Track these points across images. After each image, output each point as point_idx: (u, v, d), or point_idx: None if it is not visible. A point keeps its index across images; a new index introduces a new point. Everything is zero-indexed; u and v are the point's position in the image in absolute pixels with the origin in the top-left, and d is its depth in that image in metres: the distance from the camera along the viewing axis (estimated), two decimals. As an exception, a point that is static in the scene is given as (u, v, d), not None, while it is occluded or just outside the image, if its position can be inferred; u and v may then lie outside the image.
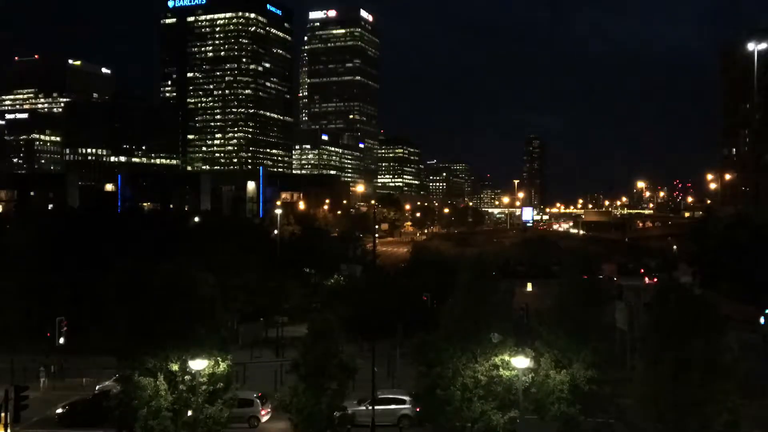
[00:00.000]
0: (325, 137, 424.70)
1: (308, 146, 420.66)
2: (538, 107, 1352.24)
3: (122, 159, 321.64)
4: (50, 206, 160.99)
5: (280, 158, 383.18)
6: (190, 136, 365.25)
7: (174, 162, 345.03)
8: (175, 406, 31.68)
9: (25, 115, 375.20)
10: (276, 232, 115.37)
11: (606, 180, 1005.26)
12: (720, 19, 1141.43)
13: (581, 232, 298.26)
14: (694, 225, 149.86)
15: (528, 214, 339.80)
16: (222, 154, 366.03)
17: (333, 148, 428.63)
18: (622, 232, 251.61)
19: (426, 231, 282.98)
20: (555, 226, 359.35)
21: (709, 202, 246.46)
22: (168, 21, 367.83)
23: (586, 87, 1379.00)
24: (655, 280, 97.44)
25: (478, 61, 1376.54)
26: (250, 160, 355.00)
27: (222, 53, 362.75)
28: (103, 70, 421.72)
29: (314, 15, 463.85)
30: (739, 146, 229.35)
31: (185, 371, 32.01)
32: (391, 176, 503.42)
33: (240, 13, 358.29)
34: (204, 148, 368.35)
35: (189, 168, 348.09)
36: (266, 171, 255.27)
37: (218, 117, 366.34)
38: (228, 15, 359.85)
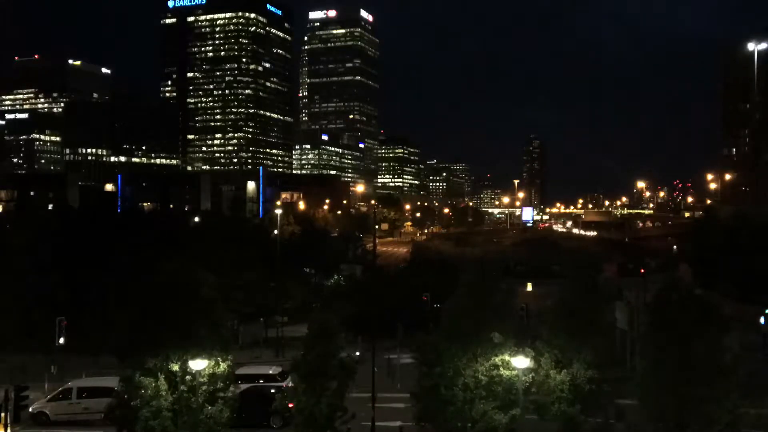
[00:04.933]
0: (325, 137, 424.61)
1: (308, 146, 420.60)
2: (538, 108, 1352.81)
3: (122, 159, 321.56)
4: (50, 206, 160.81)
5: (280, 158, 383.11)
6: (190, 136, 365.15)
7: (174, 162, 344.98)
8: (176, 407, 31.68)
9: (25, 115, 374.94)
10: (276, 232, 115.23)
11: (606, 180, 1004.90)
12: (722, 18, 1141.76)
13: (576, 231, 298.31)
14: (694, 225, 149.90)
15: (528, 214, 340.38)
16: (222, 154, 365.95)
17: (333, 148, 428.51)
18: (622, 232, 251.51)
19: (426, 231, 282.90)
20: (555, 227, 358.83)
21: (709, 202, 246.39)
22: (168, 21, 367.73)
23: (586, 87, 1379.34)
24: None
25: (479, 60, 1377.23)
26: (250, 160, 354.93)
27: (222, 53, 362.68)
28: (103, 70, 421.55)
29: (314, 15, 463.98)
30: (739, 146, 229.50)
31: (185, 371, 32.00)
32: (391, 176, 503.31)
33: (240, 13, 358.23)
34: (204, 148, 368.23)
35: (189, 168, 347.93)
36: (266, 171, 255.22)
37: (218, 117, 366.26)
38: (228, 15, 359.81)
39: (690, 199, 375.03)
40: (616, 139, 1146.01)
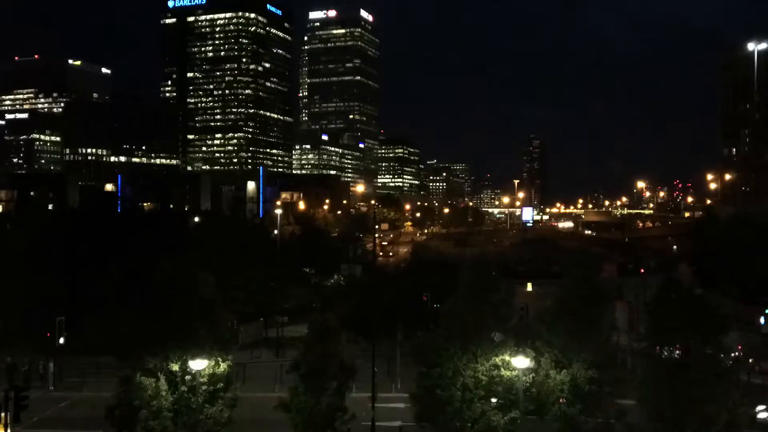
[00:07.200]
0: (325, 137, 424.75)
1: (308, 146, 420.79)
2: (538, 107, 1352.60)
3: (122, 159, 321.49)
4: (50, 206, 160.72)
5: (280, 158, 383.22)
6: (190, 136, 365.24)
7: (174, 162, 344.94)
8: (176, 407, 31.68)
9: (25, 115, 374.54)
10: (276, 232, 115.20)
11: (606, 180, 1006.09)
12: (722, 17, 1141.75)
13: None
14: (694, 225, 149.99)
15: (528, 214, 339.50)
16: (222, 154, 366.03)
17: (333, 148, 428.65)
18: (622, 232, 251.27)
19: (426, 231, 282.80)
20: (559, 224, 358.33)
21: (709, 202, 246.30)
22: (168, 21, 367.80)
23: (586, 87, 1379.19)
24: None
25: (479, 60, 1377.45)
26: (250, 160, 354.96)
27: (222, 53, 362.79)
28: (103, 70, 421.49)
29: (314, 15, 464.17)
30: (739, 146, 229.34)
31: (186, 371, 32.00)
32: (391, 176, 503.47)
33: (240, 13, 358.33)
34: (204, 148, 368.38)
35: (189, 168, 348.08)
36: (266, 171, 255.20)
37: (218, 117, 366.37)
38: (228, 15, 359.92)
39: (690, 199, 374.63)
40: (616, 139, 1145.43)
